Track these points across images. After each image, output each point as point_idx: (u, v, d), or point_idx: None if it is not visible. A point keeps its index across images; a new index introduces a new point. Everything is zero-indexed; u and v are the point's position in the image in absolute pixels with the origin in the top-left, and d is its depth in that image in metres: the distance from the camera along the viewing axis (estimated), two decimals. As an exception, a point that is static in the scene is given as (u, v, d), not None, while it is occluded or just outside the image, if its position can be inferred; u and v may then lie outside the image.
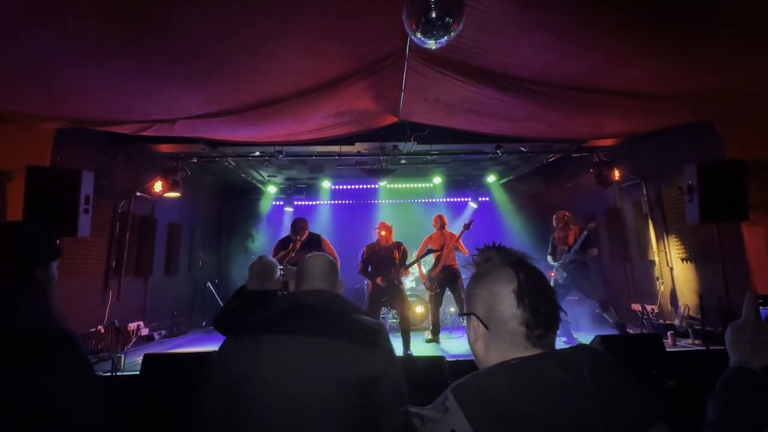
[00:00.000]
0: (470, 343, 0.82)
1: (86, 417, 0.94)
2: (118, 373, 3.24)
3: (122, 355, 3.63)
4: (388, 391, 1.21)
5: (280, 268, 2.38)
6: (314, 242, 4.47)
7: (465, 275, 6.61)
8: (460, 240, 5.13)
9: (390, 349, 1.29)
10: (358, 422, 1.15)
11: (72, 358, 0.96)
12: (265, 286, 2.08)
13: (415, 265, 5.15)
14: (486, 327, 0.77)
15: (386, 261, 4.75)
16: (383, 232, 4.81)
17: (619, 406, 0.69)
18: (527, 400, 0.67)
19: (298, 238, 4.39)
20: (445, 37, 1.78)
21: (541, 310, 0.75)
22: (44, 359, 0.92)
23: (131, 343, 4.39)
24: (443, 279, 5.08)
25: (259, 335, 1.22)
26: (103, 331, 4.04)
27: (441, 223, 5.21)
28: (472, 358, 0.82)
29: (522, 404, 0.66)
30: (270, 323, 1.24)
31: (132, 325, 4.57)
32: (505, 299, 0.76)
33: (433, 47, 1.87)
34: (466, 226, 5.15)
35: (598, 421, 0.67)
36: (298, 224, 4.46)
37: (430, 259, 5.40)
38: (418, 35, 1.80)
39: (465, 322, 0.84)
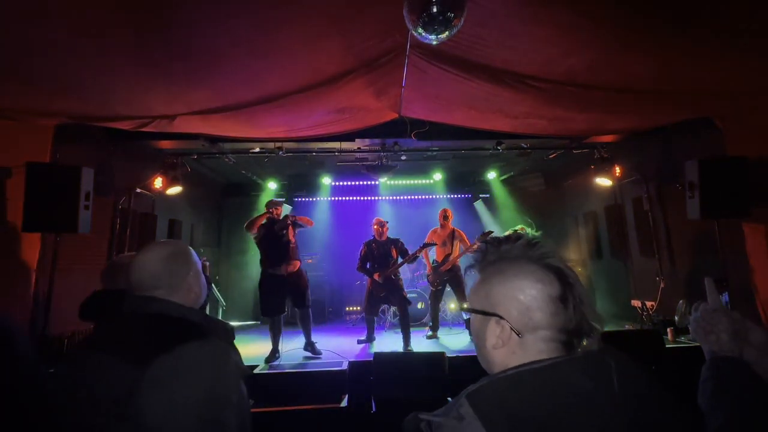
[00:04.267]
0: (487, 349, 0.72)
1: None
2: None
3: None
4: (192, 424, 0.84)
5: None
6: (285, 224, 4.55)
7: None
8: (475, 247, 5.06)
9: (216, 367, 0.91)
10: None
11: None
12: (115, 285, 2.06)
13: (424, 257, 5.14)
14: (518, 334, 0.69)
15: (384, 257, 4.77)
16: (376, 227, 4.84)
17: (650, 419, 0.64)
18: (551, 409, 0.61)
19: (272, 211, 4.50)
20: (447, 33, 1.76)
21: (586, 318, 0.70)
22: None
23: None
24: (449, 277, 5.07)
25: (72, 355, 1.05)
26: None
27: (444, 215, 5.22)
28: (472, 353, 0.78)
29: (545, 414, 0.61)
30: (89, 341, 1.05)
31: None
32: (547, 306, 0.69)
33: (434, 42, 1.86)
34: (485, 235, 4.98)
35: None
36: (274, 202, 4.64)
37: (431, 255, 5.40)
38: (419, 30, 1.78)
39: (471, 320, 0.75)
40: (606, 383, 0.64)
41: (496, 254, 0.76)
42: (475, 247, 4.97)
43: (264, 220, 4.50)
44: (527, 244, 0.74)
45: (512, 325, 0.70)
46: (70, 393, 0.93)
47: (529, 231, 5.42)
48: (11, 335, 1.02)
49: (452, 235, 5.18)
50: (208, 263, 2.47)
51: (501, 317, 0.70)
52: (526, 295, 0.70)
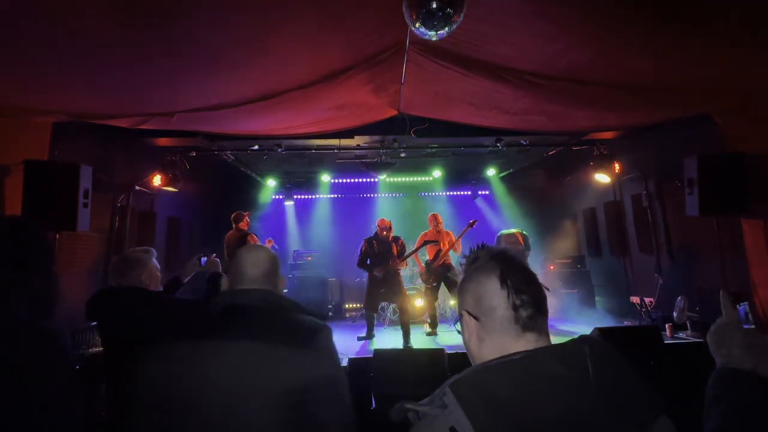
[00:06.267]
0: (465, 342, 0.82)
1: (55, 416, 0.92)
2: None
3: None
4: (327, 403, 1.04)
5: (203, 257, 2.46)
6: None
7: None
8: (460, 241, 5.22)
9: (330, 354, 1.12)
10: None
11: (50, 358, 0.95)
12: (128, 281, 2.04)
13: (414, 258, 5.24)
14: (477, 318, 0.78)
15: (384, 254, 4.78)
16: (380, 229, 4.87)
17: (622, 401, 0.68)
18: (529, 395, 0.65)
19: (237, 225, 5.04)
20: (446, 29, 1.76)
21: (525, 289, 0.77)
22: (24, 355, 0.91)
23: (132, 337, 4.40)
24: (441, 273, 5.15)
25: (182, 342, 1.06)
26: (104, 324, 4.05)
27: (435, 222, 5.37)
28: None
29: (523, 400, 0.65)
30: (196, 328, 1.10)
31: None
32: (491, 287, 0.78)
33: (434, 39, 1.85)
34: (471, 225, 5.21)
35: (602, 416, 0.66)
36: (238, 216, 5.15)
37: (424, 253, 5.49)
38: (419, 27, 1.78)
39: (459, 326, 0.84)
40: (580, 369, 0.68)
41: (469, 267, 0.86)
42: (458, 244, 5.15)
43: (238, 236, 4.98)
44: (482, 248, 0.85)
45: (470, 311, 0.79)
46: (211, 385, 1.00)
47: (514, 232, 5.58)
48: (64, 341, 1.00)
49: (443, 235, 5.32)
50: (218, 259, 2.47)
51: (465, 310, 0.81)
52: (475, 284, 0.80)
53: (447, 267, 5.20)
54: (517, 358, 0.70)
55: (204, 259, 2.47)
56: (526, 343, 0.75)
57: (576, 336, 0.77)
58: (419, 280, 6.23)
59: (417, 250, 5.20)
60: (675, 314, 4.37)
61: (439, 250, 5.19)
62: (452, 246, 5.19)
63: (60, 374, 0.94)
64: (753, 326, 2.86)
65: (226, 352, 1.02)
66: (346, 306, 6.92)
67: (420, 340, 4.82)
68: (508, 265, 0.79)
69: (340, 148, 5.18)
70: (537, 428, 0.63)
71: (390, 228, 4.92)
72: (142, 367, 1.06)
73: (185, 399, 1.00)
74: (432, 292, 5.19)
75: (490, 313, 0.77)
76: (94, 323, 2.09)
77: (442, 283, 5.22)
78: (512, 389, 0.66)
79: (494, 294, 0.77)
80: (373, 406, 2.98)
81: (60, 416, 0.93)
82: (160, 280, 2.19)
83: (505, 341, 0.75)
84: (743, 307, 3.21)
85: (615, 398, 0.67)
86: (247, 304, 1.12)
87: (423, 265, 5.33)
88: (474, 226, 5.26)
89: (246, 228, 5.11)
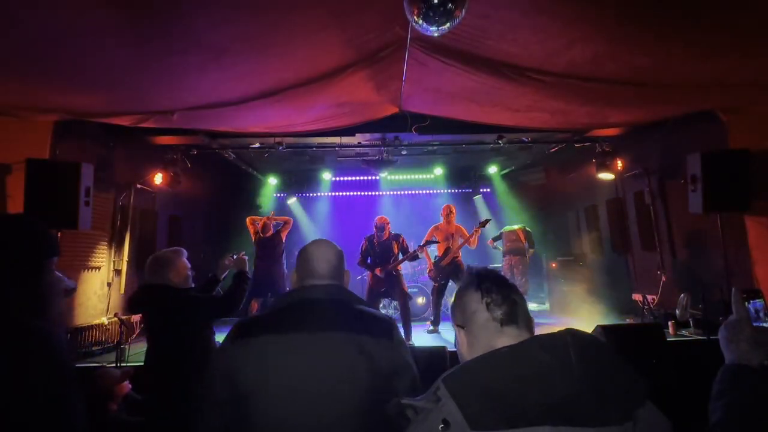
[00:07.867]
0: (460, 354, 0.90)
1: (52, 417, 0.91)
2: (122, 365, 3.27)
3: (127, 347, 3.65)
4: (409, 385, 1.14)
5: (233, 255, 2.51)
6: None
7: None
8: (476, 237, 5.14)
9: (404, 341, 1.23)
10: (380, 420, 1.03)
11: (41, 358, 0.92)
12: (158, 280, 2.13)
13: (424, 255, 5.15)
14: (464, 327, 0.87)
15: (385, 253, 4.77)
16: (378, 228, 4.83)
17: (606, 387, 0.71)
18: (516, 383, 0.69)
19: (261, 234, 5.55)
20: (447, 24, 1.74)
21: (497, 290, 0.86)
22: (12, 355, 0.90)
23: (135, 335, 4.42)
24: (449, 271, 5.08)
25: (263, 336, 1.12)
26: (106, 323, 4.07)
27: (448, 212, 5.21)
28: None
29: (511, 388, 0.68)
30: (275, 323, 1.15)
31: (136, 317, 4.59)
32: (470, 296, 0.88)
33: (435, 34, 1.84)
34: (482, 224, 5.15)
35: (587, 401, 0.68)
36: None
37: (433, 249, 5.42)
38: (420, 22, 1.76)
39: (456, 346, 0.93)
40: (563, 356, 0.72)
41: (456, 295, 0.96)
42: (474, 238, 5.09)
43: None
44: (468, 271, 0.95)
45: (459, 324, 0.89)
46: (301, 378, 1.08)
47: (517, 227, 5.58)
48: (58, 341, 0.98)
49: (454, 230, 5.19)
50: (246, 257, 2.53)
51: (456, 325, 0.91)
52: (460, 299, 0.91)
53: (456, 265, 5.07)
54: (505, 350, 0.75)
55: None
56: (507, 338, 0.82)
57: None
58: (422, 278, 6.21)
59: (424, 245, 5.05)
60: (678, 312, 4.36)
61: (449, 248, 5.07)
62: (466, 242, 5.09)
63: (51, 373, 0.92)
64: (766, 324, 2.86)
65: (307, 344, 1.10)
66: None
67: (422, 338, 4.82)
68: (483, 276, 0.89)
69: (341, 145, 5.16)
70: (525, 414, 0.66)
71: (384, 227, 4.81)
72: (219, 362, 1.14)
73: (269, 391, 1.07)
74: (440, 290, 5.10)
75: (473, 317, 0.86)
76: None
77: (451, 282, 5.11)
78: (500, 378, 0.69)
79: (473, 300, 0.86)
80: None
81: (53, 416, 0.91)
82: (190, 278, 2.27)
83: (489, 338, 0.82)
84: (756, 304, 3.20)
85: (599, 385, 0.70)
86: (322, 298, 1.19)
87: (432, 261, 5.21)
88: (486, 226, 5.18)
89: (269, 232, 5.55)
